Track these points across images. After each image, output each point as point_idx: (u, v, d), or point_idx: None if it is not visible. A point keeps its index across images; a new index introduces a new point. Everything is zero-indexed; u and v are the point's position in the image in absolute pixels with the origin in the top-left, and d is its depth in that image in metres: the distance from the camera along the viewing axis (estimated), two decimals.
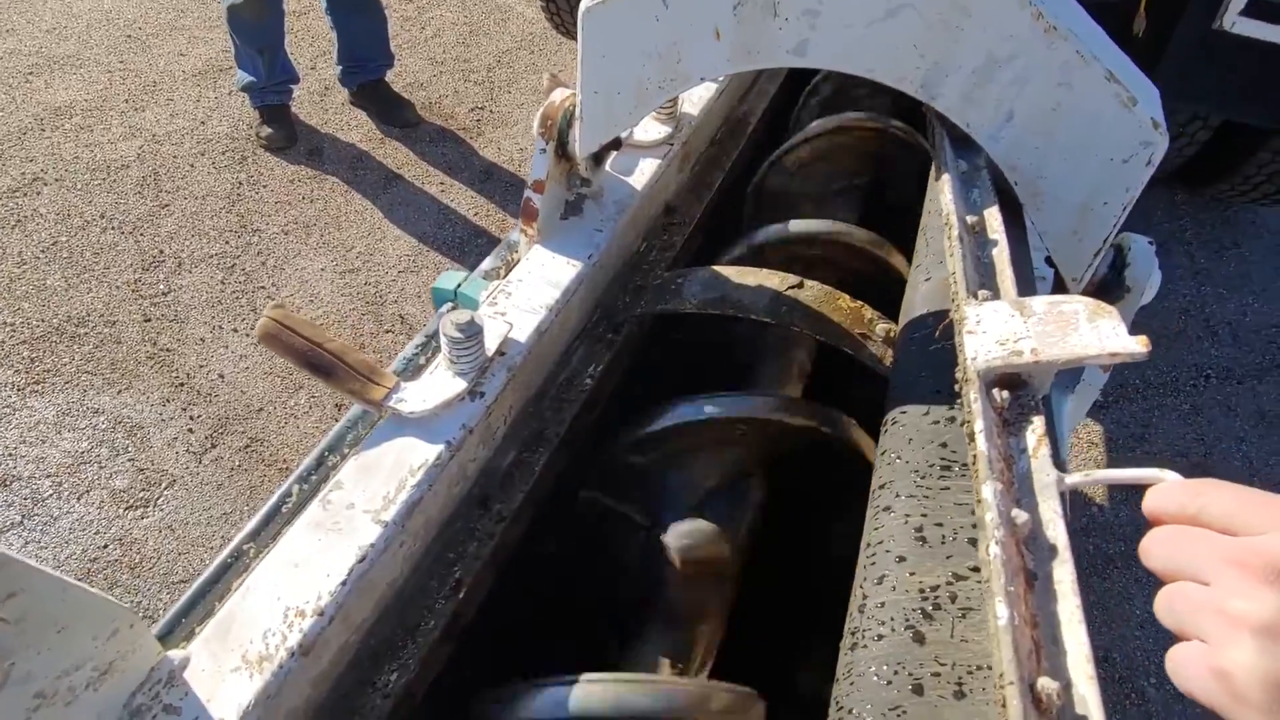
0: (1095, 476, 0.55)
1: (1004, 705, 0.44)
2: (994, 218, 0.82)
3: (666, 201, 1.45)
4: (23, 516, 2.21)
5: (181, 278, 2.87)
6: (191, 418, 2.49)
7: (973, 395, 0.61)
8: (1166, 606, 0.47)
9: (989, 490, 0.53)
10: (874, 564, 0.77)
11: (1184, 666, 0.45)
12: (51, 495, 2.26)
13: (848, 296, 1.17)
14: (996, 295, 0.72)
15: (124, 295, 2.77)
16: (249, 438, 2.44)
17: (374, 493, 0.82)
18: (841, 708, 0.69)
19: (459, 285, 1.18)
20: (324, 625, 0.72)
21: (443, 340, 0.91)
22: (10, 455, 2.33)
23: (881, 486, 0.85)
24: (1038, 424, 0.61)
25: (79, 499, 2.27)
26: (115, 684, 0.63)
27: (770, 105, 1.83)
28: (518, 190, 3.27)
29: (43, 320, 2.68)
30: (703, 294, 1.18)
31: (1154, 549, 0.49)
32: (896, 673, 0.65)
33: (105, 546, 2.18)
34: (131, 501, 2.27)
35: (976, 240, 0.79)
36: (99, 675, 0.61)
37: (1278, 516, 0.45)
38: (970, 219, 0.80)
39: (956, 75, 0.88)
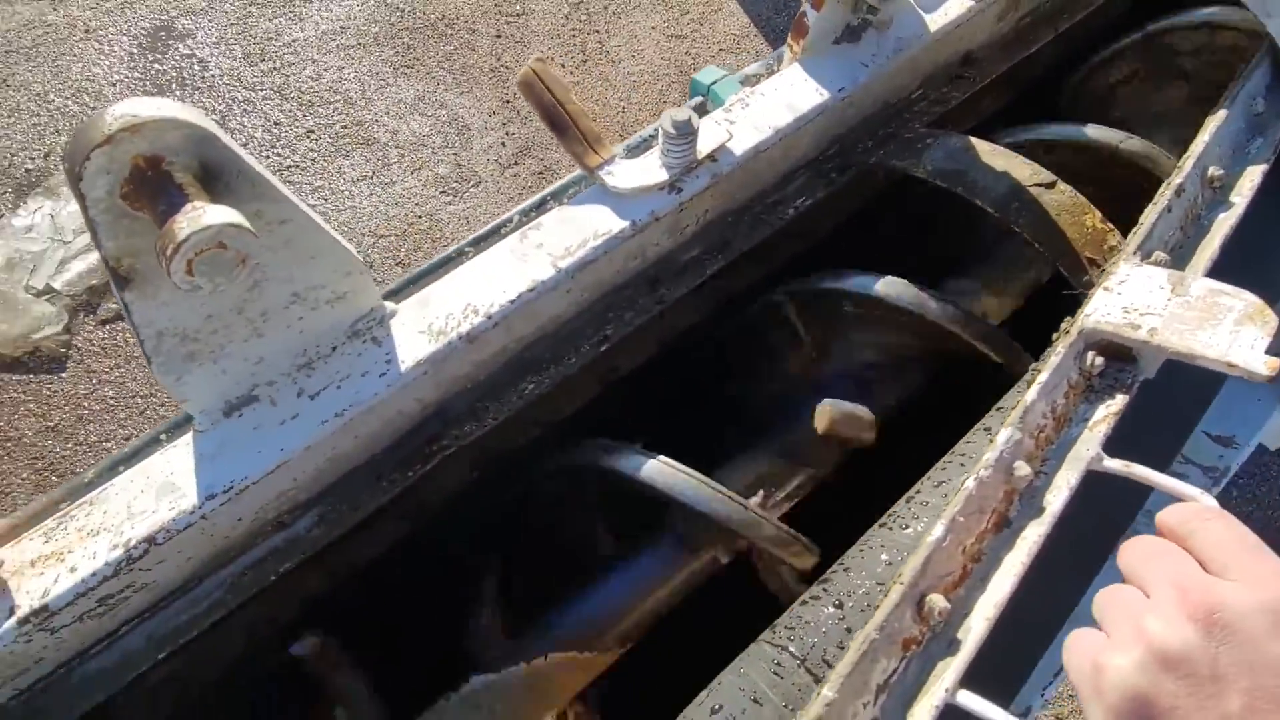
0: (1135, 471, 0.55)
1: (884, 598, 0.51)
2: (1252, 178, 0.72)
3: (968, 51, 1.33)
4: (373, 173, 2.75)
5: (536, 3, 3.13)
6: (508, 134, 2.85)
7: (1060, 348, 0.60)
8: (1100, 600, 0.49)
9: (1004, 435, 0.56)
10: (944, 469, 0.81)
11: (1074, 645, 0.48)
12: (395, 164, 2.78)
13: (1099, 215, 1.06)
14: (1178, 265, 0.66)
15: (487, 8, 3.11)
16: (544, 165, 2.76)
17: (560, 241, 0.97)
18: (844, 564, 0.78)
19: (714, 82, 1.23)
20: (488, 326, 0.92)
21: (659, 132, 1.00)
22: (376, 121, 2.86)
23: (998, 409, 0.85)
24: (1116, 403, 0.59)
25: (412, 173, 2.77)
26: (344, 309, 0.88)
27: None
28: None
29: (423, 14, 3.11)
30: (941, 163, 1.13)
31: (1127, 552, 0.50)
32: (901, 560, 0.72)
33: (420, 217, 2.68)
34: (446, 188, 2.73)
35: (1210, 197, 0.71)
36: (335, 298, 0.86)
37: (1253, 571, 0.45)
38: (1214, 171, 0.71)
39: None
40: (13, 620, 0.73)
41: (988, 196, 1.08)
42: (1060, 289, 1.32)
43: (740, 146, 1.06)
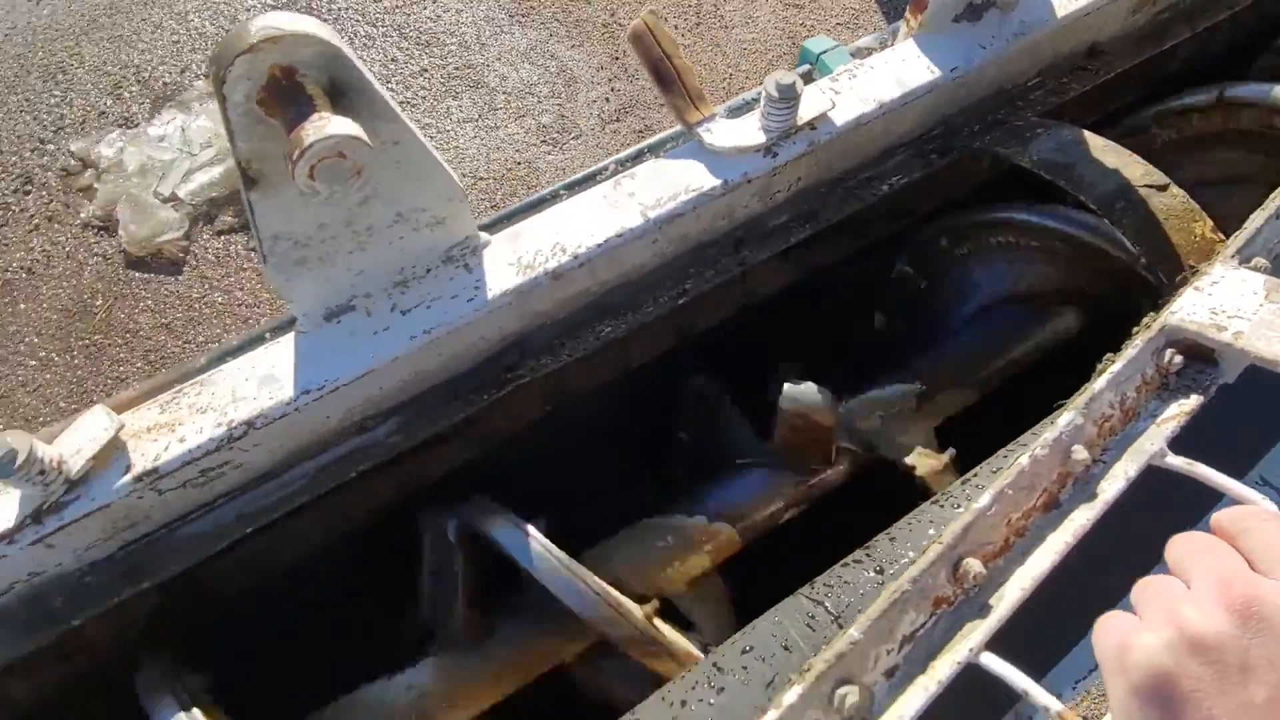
0: (1198, 471, 0.55)
1: (923, 555, 0.52)
2: None
3: (1095, 42, 1.28)
4: (479, 116, 2.83)
5: None
6: (613, 90, 2.87)
7: (1139, 341, 0.60)
8: (1138, 587, 0.50)
9: (1066, 418, 0.56)
10: (1005, 456, 0.81)
11: (1104, 624, 0.49)
12: (501, 109, 2.84)
13: (1210, 225, 1.01)
14: (1277, 272, 0.64)
15: None
16: (645, 125, 2.78)
17: (652, 193, 1.00)
18: (890, 534, 0.80)
19: (824, 51, 1.22)
20: (573, 266, 0.95)
21: (763, 95, 1.00)
22: (488, 66, 2.93)
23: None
24: (1190, 403, 0.59)
25: (517, 120, 2.82)
26: (442, 234, 0.92)
27: None
28: None
29: None
30: (1049, 154, 1.10)
31: (1175, 545, 0.50)
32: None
33: (519, 164, 2.74)
34: (547, 138, 2.78)
35: None
36: (435, 222, 0.91)
37: None
38: None
39: None
40: (128, 477, 0.82)
41: (1093, 192, 1.05)
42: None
43: (841, 117, 1.06)
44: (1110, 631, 0.48)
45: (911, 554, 0.74)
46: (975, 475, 0.80)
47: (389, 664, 1.03)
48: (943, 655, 0.51)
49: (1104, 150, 1.08)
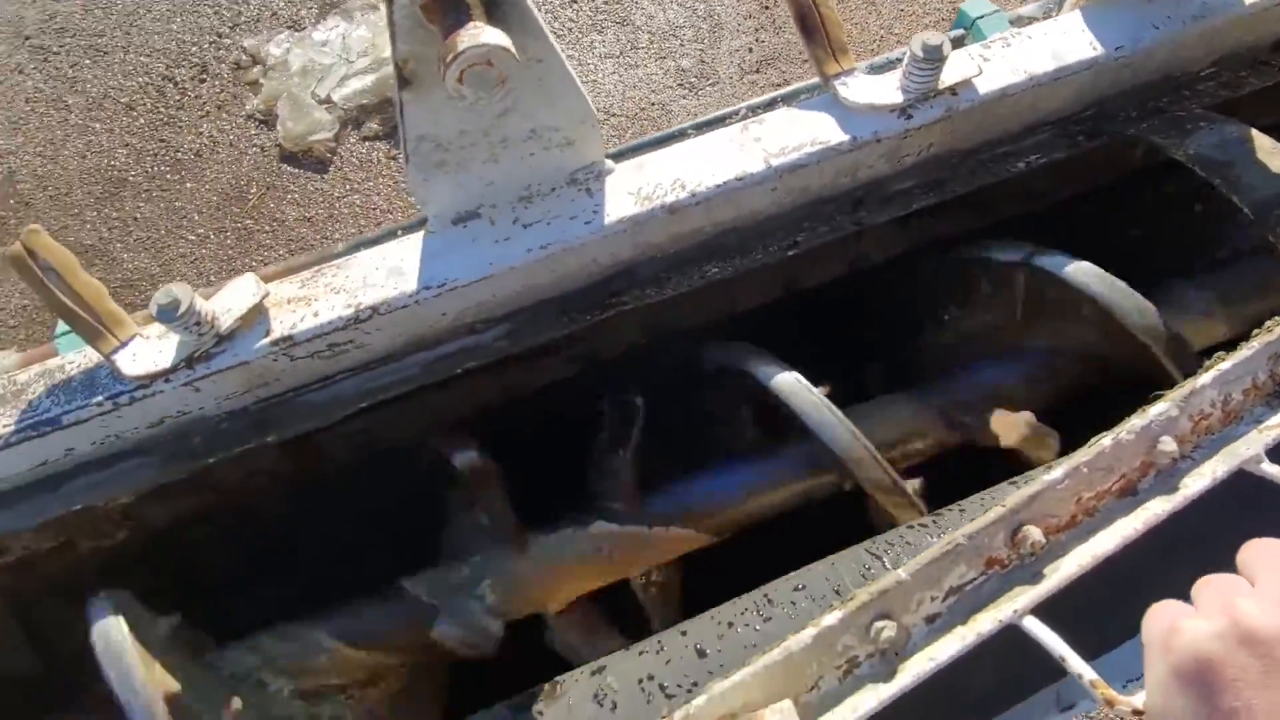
0: None
1: (983, 514, 0.54)
2: None
3: None
4: (620, 53, 2.84)
5: None
6: (758, 40, 2.82)
7: (1256, 344, 0.58)
8: (1200, 581, 0.49)
9: (1159, 408, 0.56)
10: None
11: (1156, 610, 0.49)
12: (644, 48, 2.85)
13: None
14: None
15: None
16: (785, 79, 2.73)
17: (777, 140, 1.01)
18: (961, 506, 0.80)
19: (981, 16, 1.18)
20: (690, 203, 0.98)
21: (907, 54, 0.98)
22: (636, 4, 2.93)
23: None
24: None
25: (657, 60, 2.83)
26: (569, 155, 0.97)
27: None
28: None
29: None
30: (1209, 150, 1.03)
31: (1249, 548, 0.49)
32: None
33: (653, 105, 2.76)
34: (684, 81, 2.77)
35: None
36: (565, 143, 0.95)
37: None
38: None
39: None
40: (267, 340, 0.91)
41: (1249, 196, 0.98)
42: None
43: (986, 85, 1.02)
44: (1161, 614, 0.48)
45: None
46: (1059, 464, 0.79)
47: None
48: (986, 611, 0.53)
49: (1271, 153, 1.01)
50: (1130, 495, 0.56)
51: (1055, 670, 0.52)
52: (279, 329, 0.92)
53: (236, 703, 0.90)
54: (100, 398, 0.90)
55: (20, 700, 1.06)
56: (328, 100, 2.73)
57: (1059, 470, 0.53)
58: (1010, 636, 0.53)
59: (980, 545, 0.53)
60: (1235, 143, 1.03)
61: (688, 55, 2.82)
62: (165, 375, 0.89)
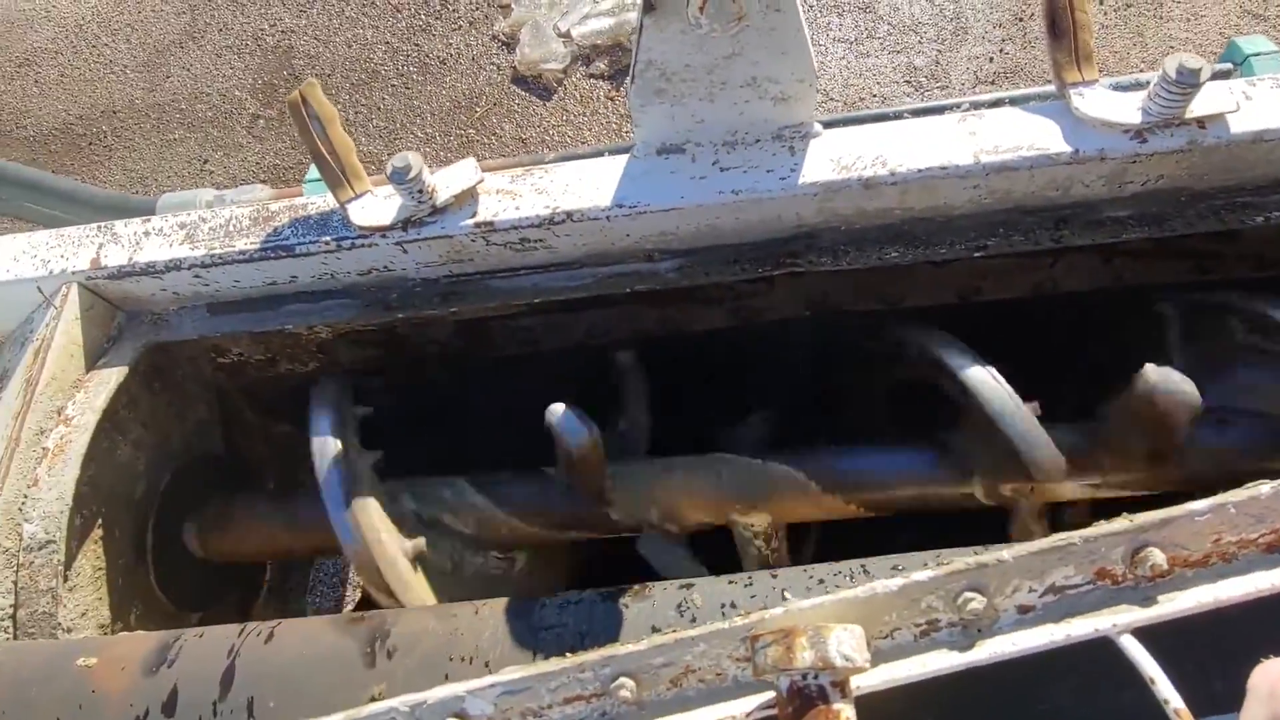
0: None
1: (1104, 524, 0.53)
2: None
3: None
4: (855, 39, 2.80)
5: None
6: (1001, 51, 2.69)
7: None
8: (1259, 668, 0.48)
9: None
10: None
11: (1267, 664, 0.47)
12: (880, 38, 2.78)
13: None
14: None
15: None
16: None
17: (992, 137, 0.98)
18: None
19: (1256, 54, 1.08)
20: (887, 181, 0.98)
21: (1159, 73, 0.93)
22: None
23: None
24: None
25: (890, 54, 2.76)
26: (782, 111, 0.99)
27: None
28: None
29: None
30: None
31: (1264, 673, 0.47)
32: None
33: (874, 97, 2.70)
34: (913, 79, 2.69)
35: None
36: (780, 98, 0.98)
37: None
38: None
39: None
40: (472, 221, 1.01)
41: None
42: None
43: (1241, 125, 0.95)
44: (1270, 670, 0.47)
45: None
46: None
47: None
48: (1084, 617, 0.52)
49: None
50: (1277, 552, 0.53)
51: (1136, 701, 0.52)
52: (484, 213, 1.02)
53: (421, 542, 1.01)
54: (328, 237, 1.04)
55: (210, 474, 1.25)
56: (566, 35, 2.88)
57: (1203, 503, 0.52)
58: (1099, 653, 0.53)
59: (1094, 552, 0.52)
60: None
61: (923, 53, 2.73)
62: (383, 231, 1.02)
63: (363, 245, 1.04)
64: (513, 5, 2.98)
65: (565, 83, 2.84)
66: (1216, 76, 1.01)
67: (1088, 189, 1.02)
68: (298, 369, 1.26)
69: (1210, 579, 0.53)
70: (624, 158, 1.04)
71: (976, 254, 1.04)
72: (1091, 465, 1.02)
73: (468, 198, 1.03)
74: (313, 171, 1.59)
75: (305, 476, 1.22)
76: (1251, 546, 0.53)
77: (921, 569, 0.54)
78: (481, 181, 1.02)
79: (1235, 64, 1.10)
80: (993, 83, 2.61)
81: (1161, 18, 2.63)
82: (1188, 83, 0.90)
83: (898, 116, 1.12)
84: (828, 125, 1.07)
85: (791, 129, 1.01)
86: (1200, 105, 0.93)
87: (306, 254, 1.05)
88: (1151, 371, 0.93)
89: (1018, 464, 0.97)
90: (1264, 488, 0.52)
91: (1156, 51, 2.58)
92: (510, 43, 2.94)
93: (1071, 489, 1.02)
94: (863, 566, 0.77)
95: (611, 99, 2.79)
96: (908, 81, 2.69)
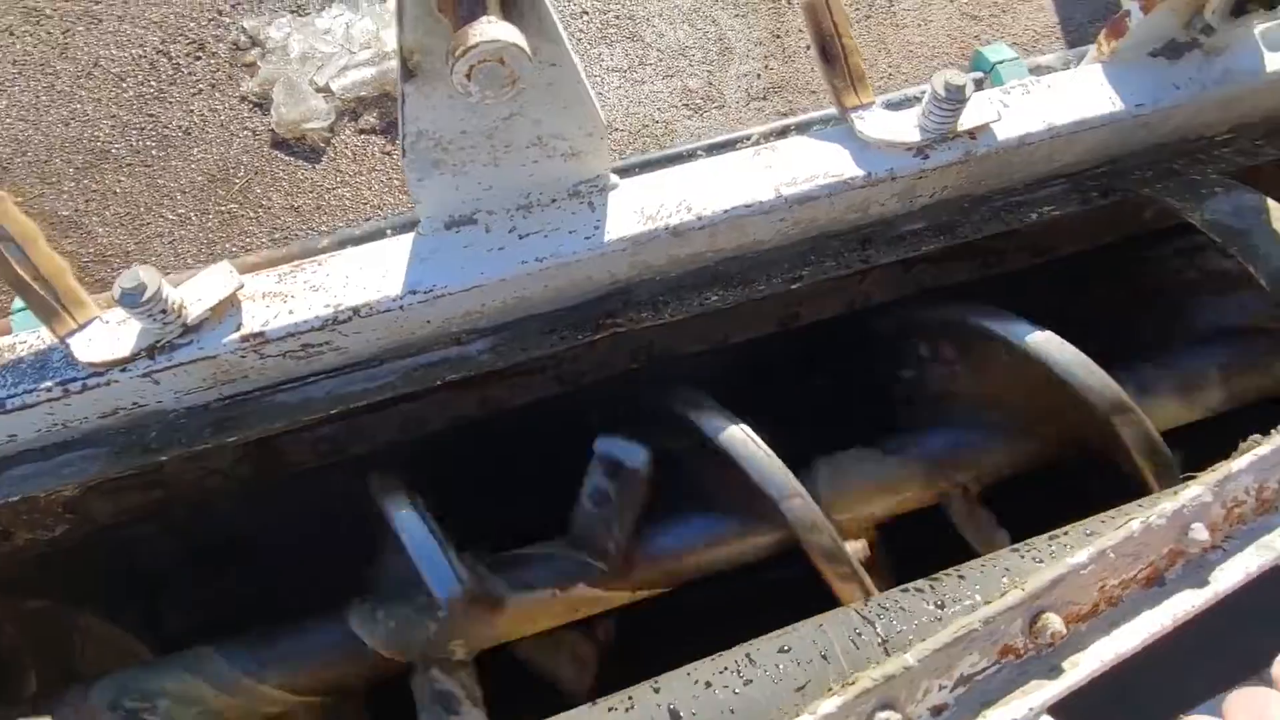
0: None
1: (1000, 597, 0.49)
2: None
3: None
4: (628, 68, 2.82)
5: None
6: (766, 67, 2.81)
7: None
8: (1232, 699, 0.46)
9: (1192, 492, 0.52)
10: (1103, 522, 0.76)
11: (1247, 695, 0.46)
12: (651, 65, 2.82)
13: None
14: None
15: None
16: (791, 108, 2.71)
17: (789, 169, 0.97)
18: (960, 571, 0.76)
19: (1001, 62, 1.16)
20: (695, 226, 0.94)
21: (927, 92, 0.95)
22: (647, 20, 2.91)
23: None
24: None
25: (664, 79, 2.80)
26: (575, 166, 0.92)
27: None
28: None
29: None
30: (1225, 216, 1.01)
31: (1235, 702, 0.46)
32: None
33: (657, 123, 2.73)
34: (690, 102, 2.74)
35: None
36: (571, 153, 0.91)
37: None
38: None
39: None
40: (237, 335, 0.86)
41: (1266, 266, 0.96)
42: None
43: (1005, 132, 1.00)
44: (1250, 699, 0.45)
45: (978, 596, 0.70)
46: (1065, 534, 0.75)
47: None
48: (999, 707, 0.48)
49: None
50: (1157, 585, 0.52)
51: None
52: (251, 324, 0.86)
53: None
54: (50, 383, 0.84)
55: None
56: (325, 89, 2.67)
57: (1084, 554, 0.49)
58: None
59: (995, 632, 0.48)
60: (1251, 211, 1.01)
61: (695, 76, 2.80)
62: (122, 364, 0.83)
63: (99, 385, 0.85)
64: (258, 63, 2.73)
65: (334, 141, 2.64)
66: (976, 88, 1.06)
67: (884, 207, 1.03)
68: (42, 536, 1.02)
69: (1104, 629, 0.51)
70: (409, 237, 0.92)
71: (794, 285, 1.02)
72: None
73: (227, 308, 0.87)
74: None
75: (79, 663, 1.00)
76: (1133, 585, 0.51)
77: (825, 696, 0.47)
78: (241, 287, 0.87)
79: (985, 72, 1.17)
80: (764, 98, 2.72)
81: (897, 25, 2.86)
82: (955, 99, 0.93)
83: (691, 155, 1.09)
84: (623, 172, 1.02)
85: (587, 184, 0.94)
86: (968, 118, 0.97)
87: (24, 407, 0.84)
88: None
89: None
90: (1134, 524, 0.51)
91: (899, 57, 2.81)
92: (263, 103, 2.68)
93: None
94: (748, 656, 0.71)
95: (388, 153, 2.62)
96: (686, 105, 2.74)
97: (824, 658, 0.69)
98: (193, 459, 0.93)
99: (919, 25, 2.87)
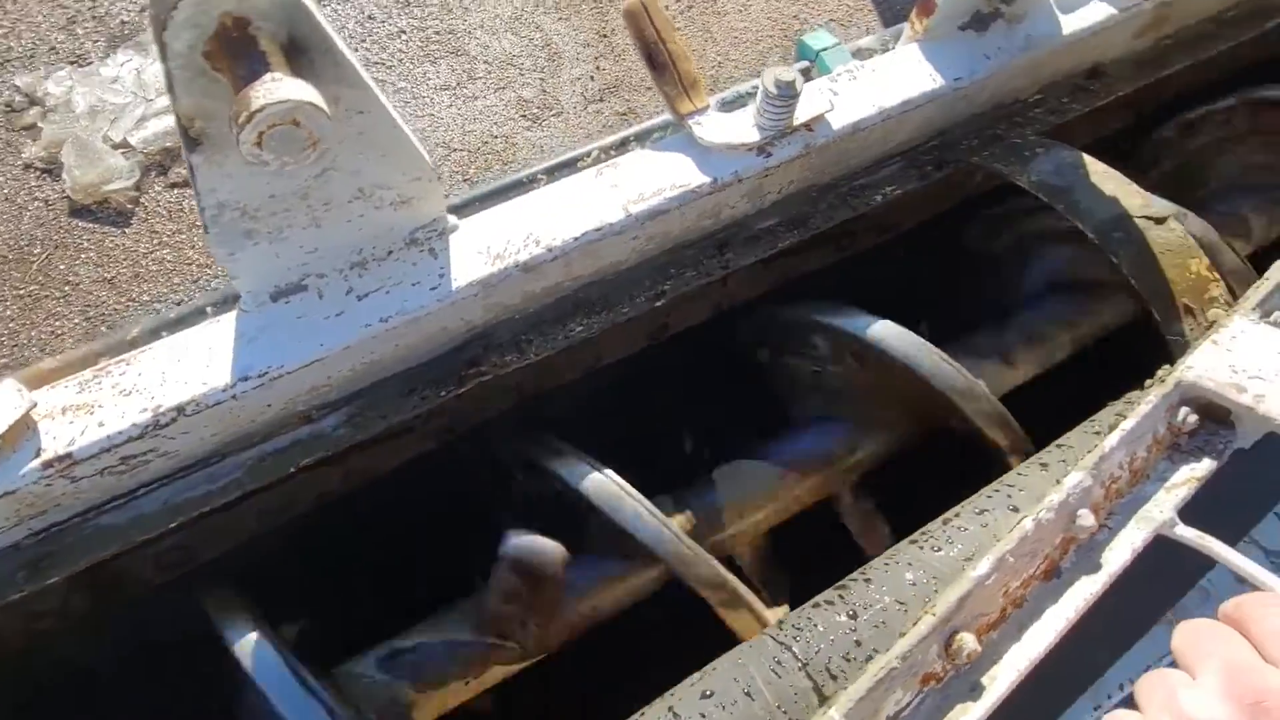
0: (1211, 546, 0.51)
1: (912, 626, 0.48)
2: None
3: (1097, 63, 1.24)
4: (457, 84, 2.72)
5: None
6: (599, 68, 2.78)
7: (1152, 397, 0.56)
8: (1141, 683, 0.46)
9: (1073, 479, 0.52)
10: (990, 498, 0.77)
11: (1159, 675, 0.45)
12: (481, 79, 2.74)
13: (1207, 263, 0.99)
14: None
15: None
16: (629, 107, 2.70)
17: (636, 186, 0.94)
18: (865, 574, 0.75)
19: (824, 49, 1.17)
20: (547, 259, 0.89)
21: (759, 90, 0.94)
22: (469, 33, 2.81)
23: (1058, 445, 0.81)
24: (1202, 468, 0.55)
25: (496, 91, 2.72)
26: (407, 214, 0.85)
27: None
28: None
29: None
30: (1048, 175, 1.06)
31: (1181, 633, 0.46)
32: (926, 583, 0.69)
33: (496, 138, 2.65)
34: (527, 113, 2.68)
35: None
36: (400, 201, 0.84)
37: None
38: None
39: None
40: (37, 462, 0.74)
41: (1089, 220, 1.01)
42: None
43: (840, 120, 1.00)
44: (1160, 679, 0.44)
45: (888, 599, 0.69)
46: (957, 515, 0.76)
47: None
48: None
49: (1103, 176, 1.05)
50: (1056, 577, 0.52)
51: None
52: (52, 446, 0.75)
53: None
54: None
55: None
56: (124, 144, 2.42)
57: (985, 565, 0.48)
58: None
59: (915, 664, 0.47)
60: (1070, 168, 1.06)
61: (528, 85, 2.73)
62: None
63: None
64: (40, 124, 2.44)
65: (142, 200, 2.40)
66: (805, 79, 1.07)
67: (735, 209, 1.02)
68: None
69: (1015, 635, 0.50)
70: (231, 315, 0.83)
71: (659, 302, 0.99)
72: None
73: (21, 433, 0.74)
74: None
75: None
76: (1033, 582, 0.51)
77: None
78: (34, 406, 0.75)
79: (810, 61, 1.18)
80: (601, 99, 2.70)
81: (719, 13, 2.90)
82: (787, 94, 0.93)
83: (532, 180, 1.04)
84: (462, 209, 0.96)
85: (424, 230, 0.87)
86: (803, 111, 0.97)
87: None
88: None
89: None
90: (1027, 522, 0.50)
91: (725, 44, 2.85)
92: (52, 168, 2.40)
93: None
94: (671, 710, 0.67)
95: None
96: (523, 116, 2.68)
97: (748, 695, 0.66)
98: (9, 610, 0.80)
99: (740, 11, 2.93)
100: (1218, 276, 0.98)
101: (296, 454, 0.86)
